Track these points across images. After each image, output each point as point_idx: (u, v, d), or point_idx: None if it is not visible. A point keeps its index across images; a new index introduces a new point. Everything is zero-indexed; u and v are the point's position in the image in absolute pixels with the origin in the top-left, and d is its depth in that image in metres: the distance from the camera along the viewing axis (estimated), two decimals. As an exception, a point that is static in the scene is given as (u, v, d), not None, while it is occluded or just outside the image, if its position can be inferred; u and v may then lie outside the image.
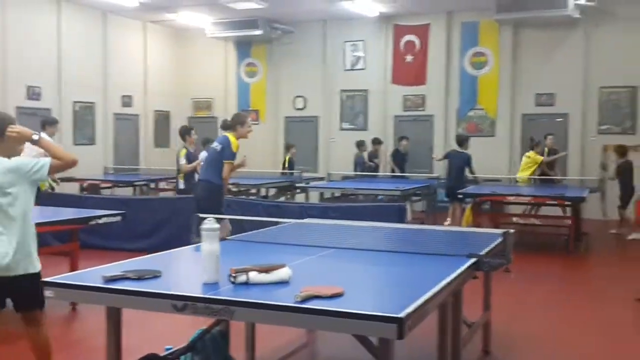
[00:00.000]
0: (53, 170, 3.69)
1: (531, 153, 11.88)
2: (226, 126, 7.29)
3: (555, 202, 10.16)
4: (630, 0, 12.83)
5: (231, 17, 14.92)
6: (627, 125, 13.20)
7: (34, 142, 3.73)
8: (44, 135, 4.46)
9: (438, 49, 14.51)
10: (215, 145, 7.09)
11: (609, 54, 13.09)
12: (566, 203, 9.88)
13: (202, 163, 12.67)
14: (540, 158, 11.84)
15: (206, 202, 6.87)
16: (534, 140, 12.12)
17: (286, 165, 13.45)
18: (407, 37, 14.81)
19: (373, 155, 13.66)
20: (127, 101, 15.51)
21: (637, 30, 12.77)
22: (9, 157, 3.63)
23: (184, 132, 9.93)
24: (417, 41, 14.74)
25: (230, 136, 6.94)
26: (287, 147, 13.84)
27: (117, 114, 15.27)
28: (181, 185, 9.88)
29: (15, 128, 3.66)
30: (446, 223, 10.54)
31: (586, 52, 13.33)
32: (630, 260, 8.68)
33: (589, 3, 12.64)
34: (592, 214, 12.38)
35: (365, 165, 13.48)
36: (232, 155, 6.87)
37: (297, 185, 12.36)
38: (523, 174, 11.94)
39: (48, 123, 9.26)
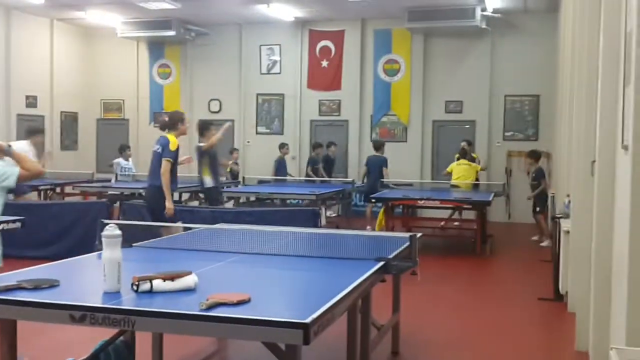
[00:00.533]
0: (21, 179, 4.00)
1: (470, 163, 11.84)
2: (165, 126, 7.04)
3: (462, 206, 10.48)
4: (533, 13, 13.48)
5: (143, 17, 14.55)
6: (530, 132, 13.84)
7: (7, 154, 4.07)
8: (20, 145, 4.77)
9: (353, 55, 14.71)
10: (156, 147, 6.91)
11: (514, 64, 13.69)
12: (465, 206, 10.27)
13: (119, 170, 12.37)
14: (478, 167, 12.00)
15: (155, 205, 6.80)
16: (469, 146, 12.24)
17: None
18: (323, 43, 14.94)
19: (314, 161, 13.59)
20: (31, 102, 14.81)
21: (540, 42, 13.40)
22: None
23: (203, 127, 9.55)
24: (332, 47, 14.89)
25: (170, 136, 6.84)
26: (231, 152, 13.56)
27: (21, 115, 14.55)
28: (209, 183, 9.52)
29: None
30: (369, 228, 10.66)
31: (492, 61, 13.88)
32: (533, 261, 9.08)
33: (495, 15, 13.19)
34: (497, 216, 12.90)
35: (314, 168, 13.42)
36: (171, 154, 6.74)
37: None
38: (463, 178, 11.89)
39: (31, 133, 9.06)
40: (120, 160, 12.94)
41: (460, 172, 11.68)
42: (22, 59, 14.42)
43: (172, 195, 6.96)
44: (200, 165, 9.32)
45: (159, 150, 6.82)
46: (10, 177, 3.96)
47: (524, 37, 13.65)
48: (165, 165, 6.70)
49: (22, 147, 8.62)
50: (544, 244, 10.00)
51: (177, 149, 6.86)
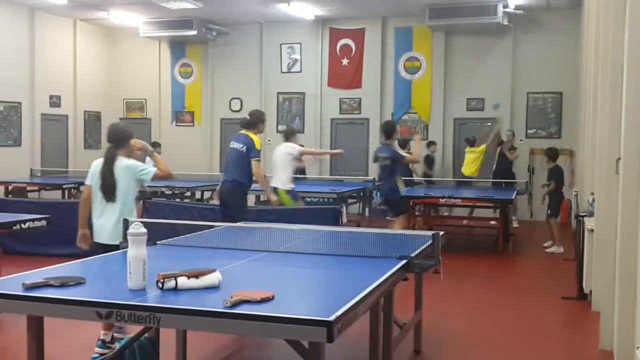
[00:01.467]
0: (155, 178, 4.80)
1: (475, 149, 12.25)
2: (247, 125, 7.08)
3: (484, 204, 10.41)
4: (555, 10, 13.35)
5: (165, 17, 14.66)
6: (553, 130, 13.70)
7: (150, 155, 5.16)
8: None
9: (373, 53, 14.69)
10: (237, 145, 6.98)
11: (536, 61, 13.57)
12: (488, 204, 10.22)
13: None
14: (483, 146, 12.16)
15: (232, 201, 6.93)
16: (470, 139, 12.64)
17: None
18: (343, 41, 14.93)
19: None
20: (55, 101, 15.00)
21: (562, 38, 13.29)
22: (128, 157, 4.80)
23: (289, 134, 9.65)
24: (352, 45, 14.87)
25: (252, 135, 6.94)
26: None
27: (45, 115, 14.75)
28: (402, 192, 8.98)
29: (139, 142, 4.97)
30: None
31: (514, 58, 13.77)
32: (556, 260, 9.00)
33: (517, 11, 13.08)
34: (520, 215, 12.80)
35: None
36: (259, 153, 6.89)
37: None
38: (469, 169, 12.20)
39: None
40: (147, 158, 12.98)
41: (466, 160, 12.39)
42: (46, 59, 14.61)
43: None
44: (394, 173, 8.54)
45: (243, 149, 6.90)
46: (149, 173, 4.73)
47: (547, 33, 13.52)
48: (256, 165, 6.85)
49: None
50: (551, 249, 9.61)
51: (261, 148, 7.03)
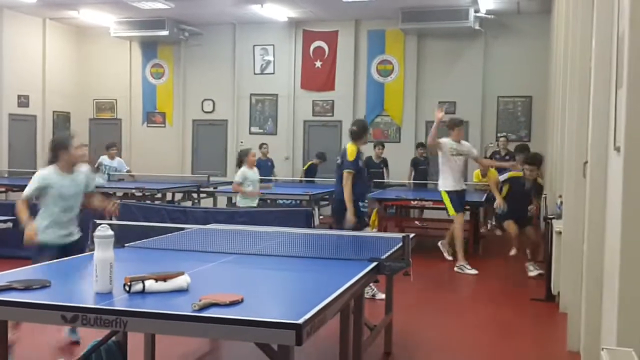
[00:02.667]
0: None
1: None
2: (354, 135, 6.82)
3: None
4: (526, 14, 13.53)
5: (137, 17, 14.51)
6: (522, 133, 13.88)
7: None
8: None
9: (346, 56, 14.72)
10: (337, 159, 6.85)
11: (507, 65, 13.73)
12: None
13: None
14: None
15: (339, 215, 6.72)
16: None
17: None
18: (317, 43, 14.93)
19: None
20: (23, 101, 14.74)
21: (532, 43, 13.46)
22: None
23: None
24: (326, 47, 14.89)
25: (350, 145, 6.71)
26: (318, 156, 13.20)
27: (13, 115, 14.49)
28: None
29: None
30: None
31: (485, 62, 13.92)
32: (525, 262, 9.10)
33: (488, 16, 13.23)
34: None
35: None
36: (350, 164, 6.60)
37: (203, 189, 12.18)
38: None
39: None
40: (104, 158, 12.24)
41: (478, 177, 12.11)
42: (14, 58, 14.35)
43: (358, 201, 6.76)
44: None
45: (339, 161, 6.75)
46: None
47: (517, 38, 13.70)
48: (345, 177, 6.59)
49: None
50: (513, 252, 9.30)
51: (357, 157, 6.70)
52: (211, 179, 13.10)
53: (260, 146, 13.17)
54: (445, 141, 8.60)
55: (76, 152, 4.75)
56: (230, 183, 13.42)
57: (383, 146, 12.80)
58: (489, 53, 13.89)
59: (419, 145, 13.49)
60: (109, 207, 5.10)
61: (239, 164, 8.87)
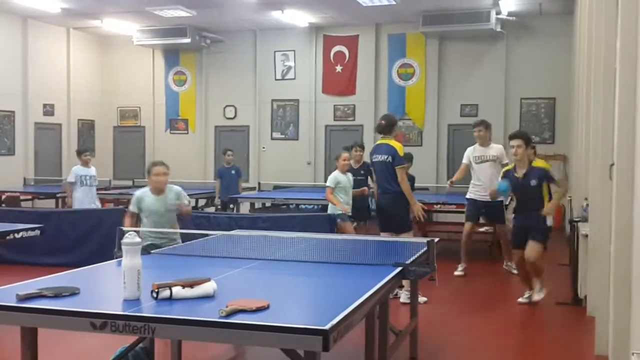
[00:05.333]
0: None
1: None
2: (383, 130, 6.79)
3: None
4: (548, 16, 13.41)
5: (159, 25, 14.66)
6: (546, 135, 13.75)
7: None
8: None
9: (367, 60, 14.72)
10: (383, 157, 6.67)
11: (529, 67, 13.62)
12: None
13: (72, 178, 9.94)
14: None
15: (396, 210, 6.65)
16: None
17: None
18: (337, 48, 14.96)
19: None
20: (49, 110, 14.97)
21: (555, 44, 13.34)
22: None
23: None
24: (346, 52, 14.91)
25: (393, 142, 6.70)
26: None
27: (39, 123, 14.72)
28: None
29: None
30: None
31: (508, 64, 13.82)
32: (551, 265, 8.99)
33: (510, 18, 13.14)
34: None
35: None
36: (401, 160, 6.63)
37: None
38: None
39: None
40: (77, 168, 10.05)
41: None
42: (39, 67, 14.59)
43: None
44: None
45: (389, 159, 6.62)
46: None
47: (540, 39, 13.58)
48: (401, 173, 6.59)
49: None
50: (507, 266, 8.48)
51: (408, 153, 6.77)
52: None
53: (225, 152, 12.26)
54: (468, 151, 8.45)
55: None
56: (253, 189, 13.56)
57: (362, 148, 9.57)
58: (511, 55, 13.80)
59: (354, 146, 13.12)
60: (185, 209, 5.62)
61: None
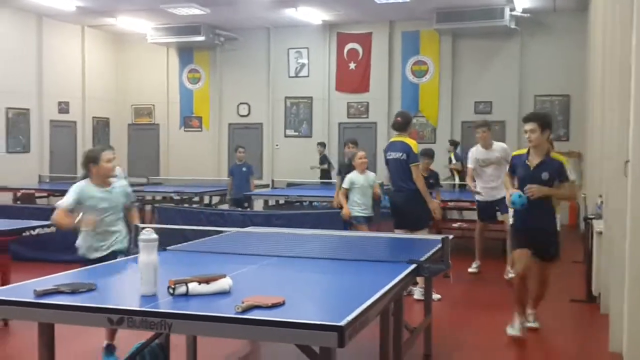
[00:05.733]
0: None
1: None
2: (400, 127, 6.75)
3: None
4: (562, 12, 13.33)
5: (173, 23, 14.74)
6: (561, 132, 13.66)
7: None
8: None
9: (380, 57, 14.71)
10: (398, 155, 6.65)
11: (544, 64, 13.56)
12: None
13: None
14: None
15: (411, 208, 6.63)
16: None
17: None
18: (351, 45, 14.96)
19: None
20: (64, 107, 15.10)
21: (569, 41, 13.27)
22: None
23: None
24: (360, 49, 14.91)
25: (408, 140, 6.70)
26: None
27: (54, 121, 14.85)
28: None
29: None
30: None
31: (522, 61, 13.76)
32: (565, 263, 8.94)
33: (524, 15, 13.07)
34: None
35: None
36: (416, 157, 6.64)
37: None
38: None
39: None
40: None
41: None
42: (54, 65, 14.71)
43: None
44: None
45: (403, 157, 6.62)
46: None
47: (554, 36, 13.51)
48: (416, 170, 6.59)
49: None
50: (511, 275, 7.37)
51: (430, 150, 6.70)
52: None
53: (236, 149, 12.00)
54: (472, 154, 8.19)
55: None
56: (267, 186, 13.59)
57: (356, 145, 9.52)
58: (525, 52, 13.73)
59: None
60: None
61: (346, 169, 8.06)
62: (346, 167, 8.34)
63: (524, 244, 5.31)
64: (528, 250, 5.27)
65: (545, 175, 5.20)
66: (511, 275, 7.45)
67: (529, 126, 5.26)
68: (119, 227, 4.73)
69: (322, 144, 14.26)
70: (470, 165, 8.23)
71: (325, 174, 13.77)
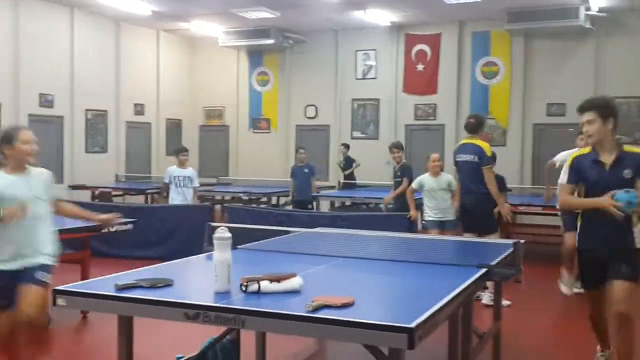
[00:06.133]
0: None
1: None
2: (473, 128, 6.78)
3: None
4: (642, 10, 12.83)
5: (243, 27, 15.02)
6: (637, 135, 13.12)
7: None
8: None
9: (449, 59, 14.54)
10: (470, 157, 6.66)
11: (620, 65, 13.06)
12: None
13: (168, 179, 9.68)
14: None
15: (481, 211, 6.63)
16: None
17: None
18: (419, 47, 14.85)
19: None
20: (139, 109, 15.62)
21: (649, 41, 12.75)
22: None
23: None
24: (428, 50, 14.77)
25: (480, 143, 6.72)
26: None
27: (129, 122, 15.38)
28: None
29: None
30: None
31: (597, 62, 13.30)
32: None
33: (600, 14, 12.64)
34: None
35: None
36: (489, 160, 6.63)
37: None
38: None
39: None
40: (171, 168, 9.70)
41: None
42: (131, 68, 15.25)
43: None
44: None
45: (475, 159, 6.61)
46: None
47: (631, 36, 13.00)
48: (488, 173, 6.55)
49: None
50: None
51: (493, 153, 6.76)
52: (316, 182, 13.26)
53: (297, 150, 12.13)
54: (560, 157, 7.91)
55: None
56: (333, 187, 13.66)
57: (401, 149, 9.76)
58: (601, 52, 13.27)
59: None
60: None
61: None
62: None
63: (591, 283, 4.35)
64: (598, 292, 4.31)
65: (628, 173, 4.07)
66: (563, 288, 7.22)
67: (586, 116, 4.36)
68: (41, 233, 4.05)
69: (346, 145, 13.96)
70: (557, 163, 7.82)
71: (349, 177, 13.47)
